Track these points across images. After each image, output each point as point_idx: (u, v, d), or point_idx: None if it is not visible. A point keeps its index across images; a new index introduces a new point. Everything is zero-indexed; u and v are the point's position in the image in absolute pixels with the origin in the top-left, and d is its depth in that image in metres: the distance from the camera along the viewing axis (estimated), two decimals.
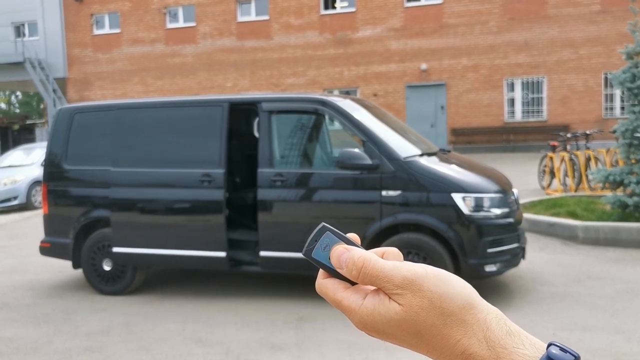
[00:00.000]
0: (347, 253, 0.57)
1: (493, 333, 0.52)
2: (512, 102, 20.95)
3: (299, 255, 5.09)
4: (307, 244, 0.59)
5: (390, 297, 0.55)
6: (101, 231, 5.84)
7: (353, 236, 0.60)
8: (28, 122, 32.47)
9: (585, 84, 20.11)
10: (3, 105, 51.79)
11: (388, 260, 0.57)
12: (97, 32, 25.09)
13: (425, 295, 0.53)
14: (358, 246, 0.59)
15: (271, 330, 4.66)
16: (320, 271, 0.60)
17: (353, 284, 0.58)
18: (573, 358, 0.50)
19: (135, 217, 5.68)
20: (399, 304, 0.54)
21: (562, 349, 0.50)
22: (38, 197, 12.93)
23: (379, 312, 0.55)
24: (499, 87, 20.86)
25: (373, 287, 0.57)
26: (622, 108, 19.99)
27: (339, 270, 0.57)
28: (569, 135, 11.09)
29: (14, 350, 4.52)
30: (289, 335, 4.53)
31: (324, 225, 0.59)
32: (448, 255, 4.93)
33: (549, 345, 0.51)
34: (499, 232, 4.97)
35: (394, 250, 0.59)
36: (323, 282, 0.59)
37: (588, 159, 10.22)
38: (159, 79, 24.28)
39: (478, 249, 4.87)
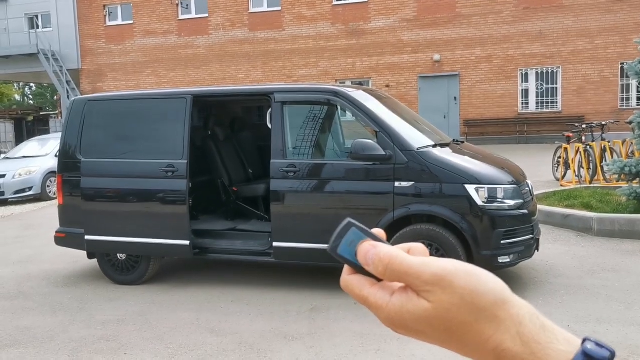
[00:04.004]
0: (374, 250, 0.55)
1: (527, 328, 0.51)
2: (526, 92, 20.75)
3: (312, 245, 5.09)
4: (332, 240, 0.57)
5: (418, 294, 0.53)
6: None
7: (379, 232, 0.58)
8: (42, 113, 32.74)
9: (601, 74, 19.86)
10: (17, 97, 52.22)
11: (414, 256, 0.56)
12: (110, 23, 25.16)
13: (456, 291, 0.52)
14: (384, 242, 0.57)
15: (285, 320, 4.68)
16: (345, 267, 0.58)
17: (379, 280, 0.56)
18: (609, 353, 0.48)
19: (105, 206, 5.89)
20: (428, 301, 0.52)
21: (597, 344, 0.49)
22: (53, 187, 13.05)
23: (408, 309, 0.53)
24: (512, 78, 20.67)
25: (400, 284, 0.55)
26: (639, 99, 19.74)
27: (365, 267, 0.56)
28: (584, 126, 10.96)
29: (31, 338, 4.58)
30: (302, 325, 4.55)
31: (349, 221, 0.57)
32: (461, 246, 4.91)
33: (584, 340, 0.49)
34: (512, 224, 4.93)
35: (420, 247, 0.57)
36: (348, 279, 0.57)
37: (603, 150, 10.11)
38: (171, 71, 24.33)
39: (491, 241, 4.84)
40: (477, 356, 0.53)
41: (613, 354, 0.48)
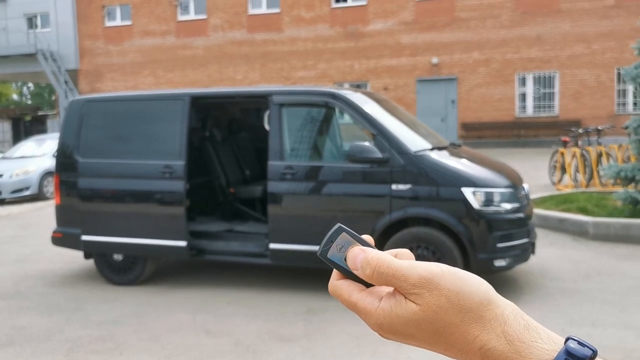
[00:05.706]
0: (363, 254, 0.56)
1: (511, 327, 0.52)
2: (523, 97, 20.81)
3: (309, 247, 5.08)
4: (322, 245, 0.58)
5: (406, 297, 0.54)
6: None
7: (368, 238, 0.59)
8: (40, 113, 32.68)
9: (598, 79, 19.94)
10: (15, 97, 52.14)
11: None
12: (108, 23, 25.17)
13: (442, 293, 0.53)
14: (373, 248, 0.58)
15: (280, 322, 4.69)
16: (334, 272, 0.59)
17: (368, 286, 0.57)
18: (591, 352, 0.49)
19: (102, 206, 5.89)
20: (416, 303, 0.53)
21: (580, 343, 0.50)
22: (50, 187, 13.04)
23: (397, 312, 0.54)
24: (510, 82, 20.73)
25: (388, 289, 0.56)
26: (635, 104, 19.82)
27: (354, 272, 0.57)
28: (580, 130, 11.01)
29: (27, 338, 4.59)
30: (298, 327, 4.56)
31: (340, 226, 0.58)
32: (457, 249, 4.93)
33: (567, 339, 0.51)
34: (509, 227, 4.96)
35: (406, 252, 0.58)
36: (337, 284, 0.58)
37: (599, 155, 10.15)
38: (169, 71, 24.33)
39: (488, 244, 4.86)
40: (464, 357, 0.54)
41: (595, 353, 0.50)
